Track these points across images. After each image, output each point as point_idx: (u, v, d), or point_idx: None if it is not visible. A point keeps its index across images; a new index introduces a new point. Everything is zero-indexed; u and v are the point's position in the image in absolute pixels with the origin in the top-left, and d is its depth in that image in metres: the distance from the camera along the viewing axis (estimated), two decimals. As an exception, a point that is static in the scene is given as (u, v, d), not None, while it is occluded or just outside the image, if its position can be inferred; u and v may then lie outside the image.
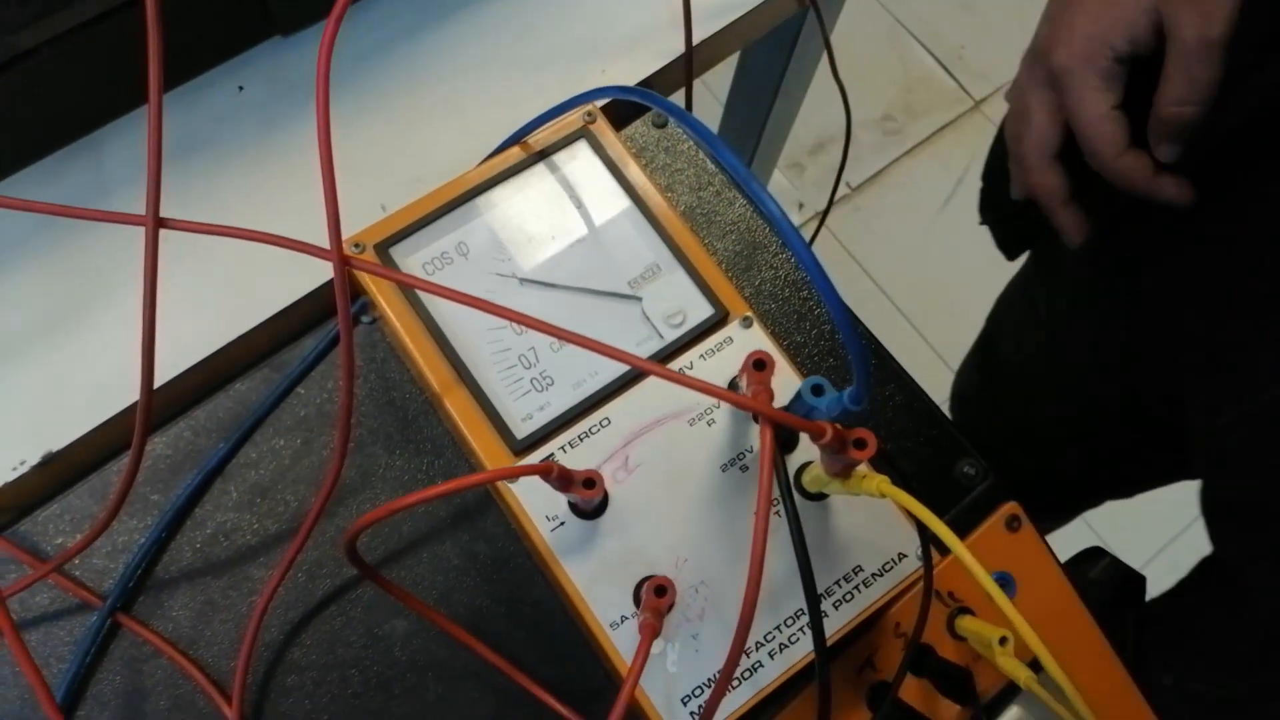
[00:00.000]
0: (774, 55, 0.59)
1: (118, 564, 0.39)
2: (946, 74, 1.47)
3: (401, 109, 0.44)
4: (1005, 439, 0.71)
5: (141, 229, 0.30)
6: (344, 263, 0.30)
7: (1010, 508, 0.43)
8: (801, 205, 1.36)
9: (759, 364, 0.30)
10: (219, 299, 0.41)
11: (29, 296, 0.40)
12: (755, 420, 0.35)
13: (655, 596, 0.30)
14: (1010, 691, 0.41)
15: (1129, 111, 0.38)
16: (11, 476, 0.38)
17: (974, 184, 0.53)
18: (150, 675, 0.38)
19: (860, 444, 0.29)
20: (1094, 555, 0.49)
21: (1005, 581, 0.43)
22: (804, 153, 1.41)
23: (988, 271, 1.34)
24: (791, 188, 1.38)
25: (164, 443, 0.40)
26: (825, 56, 0.58)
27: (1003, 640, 0.39)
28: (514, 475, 0.30)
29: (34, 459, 0.38)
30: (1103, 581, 0.48)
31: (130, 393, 0.39)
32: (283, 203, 0.43)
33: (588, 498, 0.31)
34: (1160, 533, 1.20)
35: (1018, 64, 0.43)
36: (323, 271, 0.41)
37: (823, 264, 0.25)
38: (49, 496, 0.39)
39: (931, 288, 1.32)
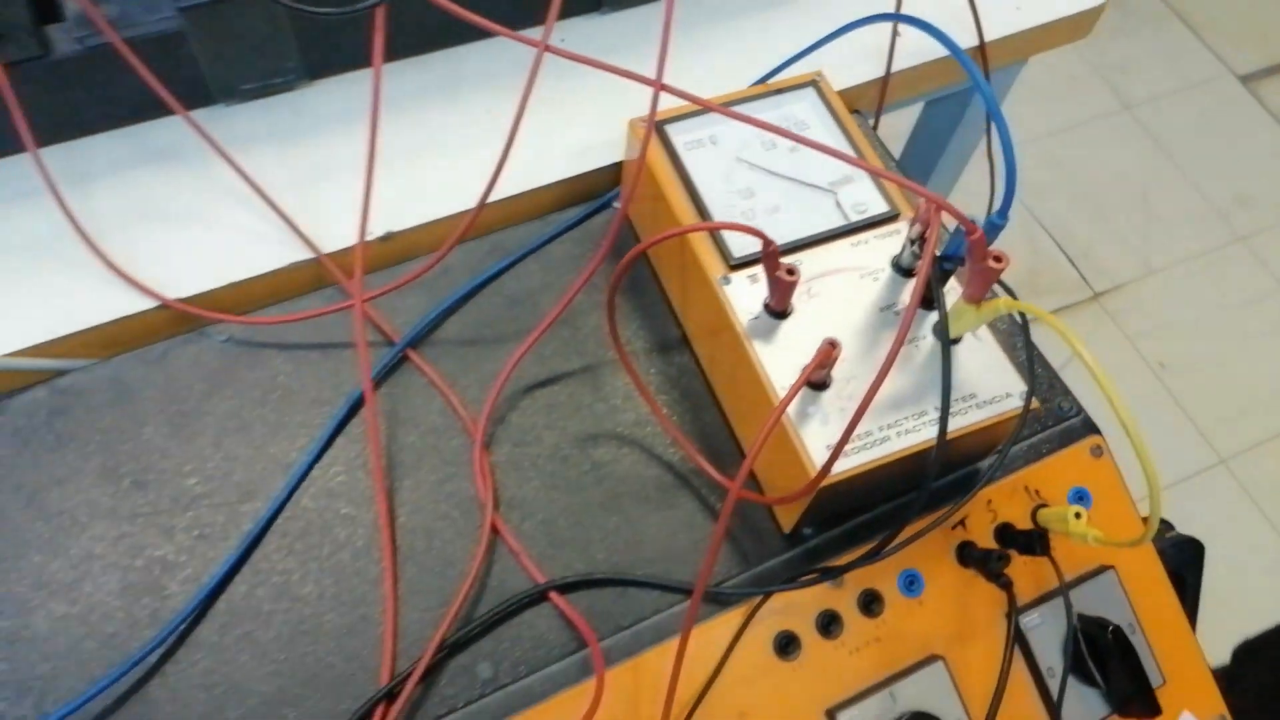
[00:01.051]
0: (943, 122, 0.74)
1: (414, 319, 0.52)
2: (1071, 265, 1.60)
3: (685, 66, 0.60)
4: None
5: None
6: (660, 88, 0.45)
7: (1095, 439, 0.53)
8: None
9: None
10: (532, 156, 0.55)
11: (413, 125, 0.56)
12: (903, 273, 0.47)
13: (828, 346, 0.41)
14: (1084, 577, 0.50)
15: None
16: (350, 243, 0.53)
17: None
18: (420, 401, 0.50)
19: (998, 259, 0.41)
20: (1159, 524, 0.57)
21: (1083, 496, 0.52)
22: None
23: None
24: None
25: (465, 250, 0.54)
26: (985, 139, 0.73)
27: (1077, 515, 0.48)
28: (741, 230, 0.42)
29: (378, 233, 0.53)
30: (1167, 549, 0.56)
31: (451, 207, 0.54)
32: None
33: (788, 282, 0.43)
34: None
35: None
36: (606, 155, 0.56)
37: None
38: (381, 268, 0.54)
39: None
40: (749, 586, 0.47)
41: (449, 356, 0.52)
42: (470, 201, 0.54)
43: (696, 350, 0.52)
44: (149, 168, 0.53)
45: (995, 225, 0.40)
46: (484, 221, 0.55)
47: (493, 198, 0.54)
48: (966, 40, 0.62)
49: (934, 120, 0.76)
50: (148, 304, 0.49)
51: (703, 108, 0.51)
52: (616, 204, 0.57)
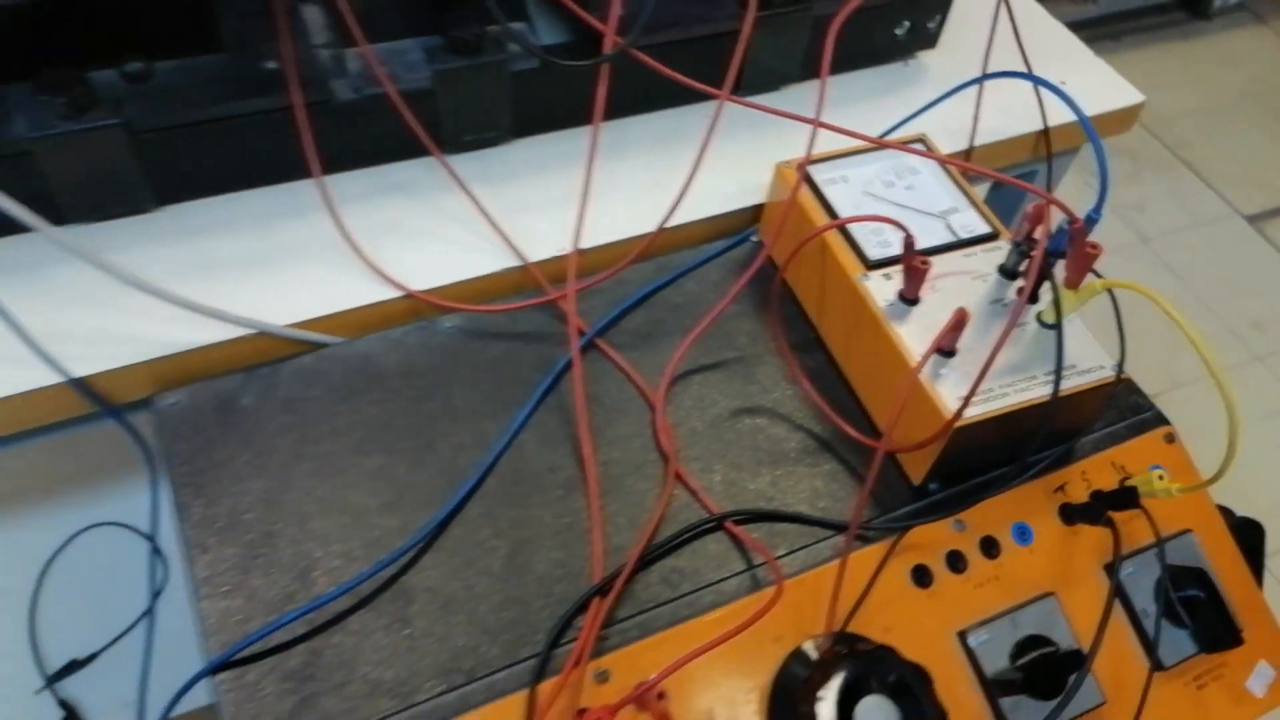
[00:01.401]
0: (1007, 204, 0.88)
1: (595, 319, 0.64)
2: (1103, 377, 1.72)
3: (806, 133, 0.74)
4: None
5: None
6: (818, 125, 0.58)
7: (1169, 428, 0.63)
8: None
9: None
10: (686, 199, 0.68)
11: (595, 173, 0.70)
12: (1007, 275, 0.58)
13: (961, 311, 0.53)
14: (1167, 538, 0.58)
15: None
16: (548, 256, 0.65)
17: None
18: (606, 378, 0.61)
19: (1094, 246, 0.52)
20: (1221, 510, 0.66)
21: (1160, 471, 0.61)
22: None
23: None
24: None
25: (634, 269, 0.66)
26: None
27: (1160, 476, 0.57)
28: (888, 222, 0.54)
29: (565, 250, 0.65)
30: (1231, 529, 0.64)
31: (623, 234, 0.67)
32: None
33: (922, 271, 0.55)
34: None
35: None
36: (742, 200, 0.69)
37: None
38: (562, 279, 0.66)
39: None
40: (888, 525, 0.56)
41: (626, 346, 0.63)
42: (635, 231, 0.67)
43: (831, 345, 0.63)
44: (389, 196, 0.66)
45: (1092, 219, 0.52)
46: (650, 246, 0.68)
47: (657, 228, 0.67)
48: (1034, 124, 0.77)
49: (997, 203, 0.89)
50: (393, 294, 0.61)
51: (838, 155, 0.65)
52: (754, 238, 0.69)
